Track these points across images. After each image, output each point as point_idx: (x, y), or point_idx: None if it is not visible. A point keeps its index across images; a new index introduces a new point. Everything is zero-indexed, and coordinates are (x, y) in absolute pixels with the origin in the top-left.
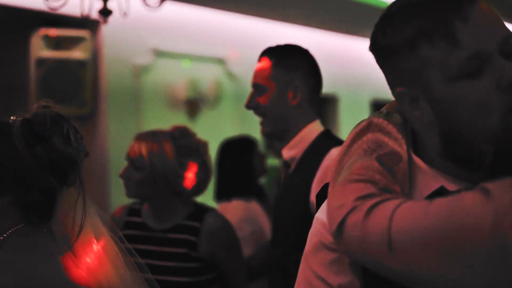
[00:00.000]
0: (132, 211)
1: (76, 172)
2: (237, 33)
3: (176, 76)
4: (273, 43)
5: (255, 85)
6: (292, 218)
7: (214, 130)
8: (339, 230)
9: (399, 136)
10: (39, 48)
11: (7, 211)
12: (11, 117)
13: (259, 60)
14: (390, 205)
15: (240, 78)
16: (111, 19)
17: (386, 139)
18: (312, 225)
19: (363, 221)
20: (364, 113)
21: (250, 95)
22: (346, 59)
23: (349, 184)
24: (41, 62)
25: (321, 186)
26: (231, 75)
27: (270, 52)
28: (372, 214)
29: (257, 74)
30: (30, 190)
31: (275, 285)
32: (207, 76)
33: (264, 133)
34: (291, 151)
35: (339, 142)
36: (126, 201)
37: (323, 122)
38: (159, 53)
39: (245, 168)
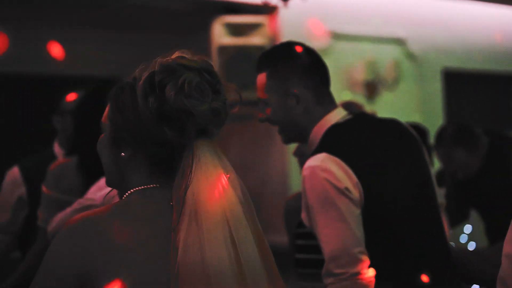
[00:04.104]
0: None
1: (194, 124)
2: (417, 11)
3: (355, 58)
4: (454, 20)
5: (258, 99)
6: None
7: (393, 113)
8: None
9: None
10: (220, 36)
11: (135, 164)
12: None
13: (256, 70)
14: None
15: (421, 58)
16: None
17: None
18: None
19: None
20: None
21: (259, 108)
22: None
23: None
24: (223, 49)
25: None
26: (411, 55)
27: (264, 62)
28: None
29: (257, 87)
30: (147, 143)
31: None
32: (386, 57)
33: (283, 142)
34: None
35: (332, 146)
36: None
37: None
38: (337, 36)
39: None
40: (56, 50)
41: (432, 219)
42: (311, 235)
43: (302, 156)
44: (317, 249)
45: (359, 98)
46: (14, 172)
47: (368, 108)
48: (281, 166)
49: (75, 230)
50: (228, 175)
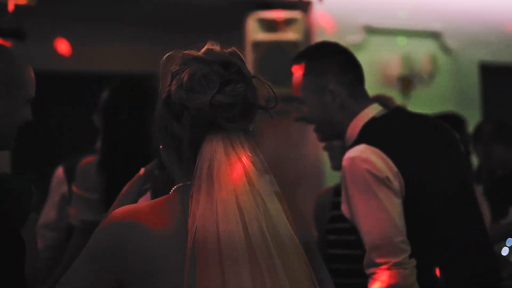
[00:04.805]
0: (338, 191)
1: (197, 118)
2: (452, 4)
3: (389, 53)
4: (490, 13)
5: (295, 98)
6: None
7: (428, 108)
8: None
9: None
10: (254, 31)
11: (171, 159)
12: None
13: (292, 69)
14: None
15: (457, 51)
16: None
17: None
18: None
19: None
20: None
21: (295, 107)
22: None
23: None
24: (257, 45)
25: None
26: (447, 49)
27: (299, 61)
28: None
29: (293, 85)
30: (167, 137)
31: None
32: (421, 52)
33: (320, 139)
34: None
35: (371, 137)
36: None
37: None
38: (371, 30)
39: None
40: (91, 47)
41: (472, 211)
42: (343, 230)
43: (332, 150)
44: (349, 244)
45: (393, 93)
46: (59, 171)
47: (402, 102)
48: (315, 163)
49: (116, 228)
50: (243, 170)
